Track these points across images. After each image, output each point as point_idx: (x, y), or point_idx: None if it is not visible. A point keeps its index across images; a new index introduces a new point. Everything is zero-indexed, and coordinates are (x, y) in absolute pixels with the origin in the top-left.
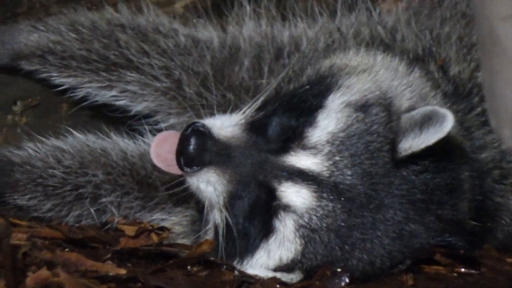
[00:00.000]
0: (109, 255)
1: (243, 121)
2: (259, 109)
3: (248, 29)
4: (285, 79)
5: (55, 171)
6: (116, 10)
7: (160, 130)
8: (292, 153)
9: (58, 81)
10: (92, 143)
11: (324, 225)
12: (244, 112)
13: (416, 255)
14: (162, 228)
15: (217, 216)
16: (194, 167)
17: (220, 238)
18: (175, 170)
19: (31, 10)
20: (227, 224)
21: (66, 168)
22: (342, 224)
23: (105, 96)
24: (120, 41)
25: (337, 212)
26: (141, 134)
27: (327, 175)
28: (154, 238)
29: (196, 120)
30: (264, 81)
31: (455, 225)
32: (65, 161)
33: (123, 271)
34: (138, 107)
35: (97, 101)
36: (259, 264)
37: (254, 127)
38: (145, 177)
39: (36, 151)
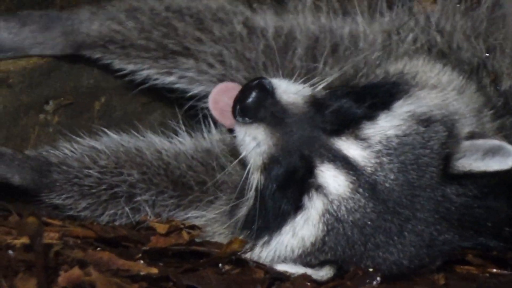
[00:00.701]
0: (140, 255)
1: (308, 93)
2: (324, 88)
3: (306, 21)
4: (348, 71)
5: (90, 171)
6: None
7: None
8: (343, 138)
9: (118, 67)
10: (127, 143)
11: (351, 218)
12: (312, 85)
13: (447, 256)
14: (193, 227)
15: (255, 177)
16: (247, 119)
17: (256, 204)
18: (227, 120)
19: (63, 9)
20: (262, 192)
21: (101, 168)
22: (369, 223)
23: (164, 81)
24: (178, 29)
25: (367, 210)
26: (176, 133)
27: (370, 171)
28: (185, 236)
29: (264, 76)
30: (320, 65)
31: (490, 231)
32: (101, 161)
33: (154, 270)
34: (195, 90)
35: (156, 84)
36: (285, 243)
37: (316, 102)
38: (179, 177)
39: (72, 151)
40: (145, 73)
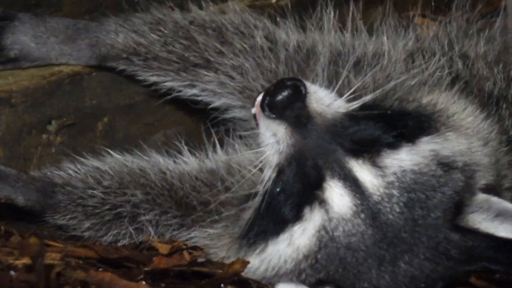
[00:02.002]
0: (142, 275)
1: (340, 108)
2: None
3: (329, 36)
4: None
5: (94, 192)
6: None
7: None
8: (360, 161)
9: (142, 78)
10: (131, 163)
11: (346, 240)
12: (347, 102)
13: (448, 280)
14: (195, 247)
15: (267, 175)
16: (272, 113)
17: (262, 205)
18: (254, 108)
19: None
20: (269, 193)
21: (105, 188)
22: (364, 249)
23: (187, 93)
24: (199, 42)
25: (365, 236)
26: (181, 153)
27: (376, 200)
28: (187, 257)
29: (304, 80)
30: (343, 75)
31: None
32: (105, 181)
33: None
34: (217, 103)
35: (180, 96)
36: (280, 252)
37: (344, 118)
38: (183, 197)
39: (76, 172)
40: (168, 84)
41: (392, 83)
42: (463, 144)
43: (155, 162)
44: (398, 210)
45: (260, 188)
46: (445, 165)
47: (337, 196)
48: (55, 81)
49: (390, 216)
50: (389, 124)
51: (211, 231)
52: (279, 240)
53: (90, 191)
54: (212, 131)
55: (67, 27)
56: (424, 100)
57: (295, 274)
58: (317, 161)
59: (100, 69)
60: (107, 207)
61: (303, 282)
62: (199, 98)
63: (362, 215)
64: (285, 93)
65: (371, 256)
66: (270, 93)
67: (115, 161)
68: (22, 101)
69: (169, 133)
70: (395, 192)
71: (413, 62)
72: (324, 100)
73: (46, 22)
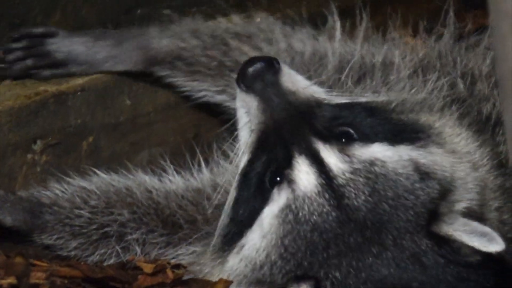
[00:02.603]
0: None
1: (317, 94)
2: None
3: (338, 44)
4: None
5: (81, 211)
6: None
7: None
8: (327, 145)
9: (180, 83)
10: (117, 183)
11: (312, 221)
12: (329, 93)
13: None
14: (178, 266)
15: (243, 160)
16: (242, 85)
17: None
18: None
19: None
20: (243, 179)
21: (92, 208)
22: (329, 229)
23: (216, 99)
24: (233, 48)
25: (329, 217)
26: (166, 172)
27: (341, 182)
28: (170, 275)
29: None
30: (348, 82)
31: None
32: (91, 201)
33: None
34: None
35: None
36: (254, 242)
37: (319, 103)
38: (169, 216)
39: (63, 192)
40: (203, 90)
41: (388, 96)
42: (447, 162)
43: (141, 181)
44: (363, 198)
45: (236, 177)
46: (423, 172)
47: (304, 174)
48: (40, 100)
49: (355, 202)
50: (373, 125)
51: (196, 248)
52: (253, 230)
53: (77, 211)
54: (197, 149)
55: (113, 33)
56: (422, 118)
57: (267, 267)
58: (285, 138)
59: (135, 77)
60: (94, 226)
61: (277, 280)
62: (227, 104)
63: (327, 195)
64: (257, 65)
65: (338, 237)
66: (243, 67)
67: (102, 180)
68: (7, 120)
69: (154, 152)
70: (361, 179)
71: (416, 77)
72: (300, 83)
73: (92, 31)
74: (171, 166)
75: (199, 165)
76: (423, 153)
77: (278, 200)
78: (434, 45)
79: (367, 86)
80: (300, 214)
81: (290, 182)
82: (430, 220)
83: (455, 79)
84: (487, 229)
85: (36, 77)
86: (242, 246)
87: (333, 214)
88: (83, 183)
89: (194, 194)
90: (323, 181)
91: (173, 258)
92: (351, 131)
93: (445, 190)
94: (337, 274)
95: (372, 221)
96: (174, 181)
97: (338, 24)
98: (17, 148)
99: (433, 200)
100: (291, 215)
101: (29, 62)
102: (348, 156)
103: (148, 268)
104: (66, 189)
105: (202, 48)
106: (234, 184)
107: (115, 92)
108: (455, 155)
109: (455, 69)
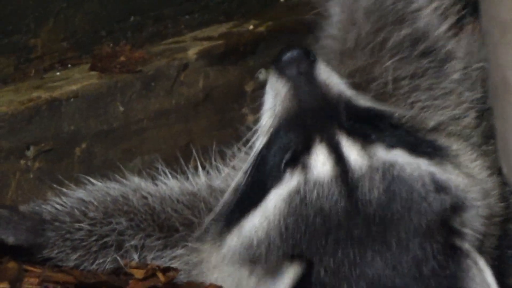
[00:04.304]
0: None
1: (347, 93)
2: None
3: None
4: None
5: (81, 224)
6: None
7: None
8: (350, 139)
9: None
10: (113, 191)
11: (318, 205)
12: (360, 95)
13: None
14: (168, 269)
15: (260, 141)
16: (276, 70)
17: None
18: None
19: (44, 55)
20: (259, 159)
21: (91, 220)
22: (335, 218)
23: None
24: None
25: (338, 206)
26: (161, 176)
27: (356, 176)
28: (161, 278)
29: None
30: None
31: None
32: (90, 212)
33: None
34: None
35: None
36: (255, 218)
37: (350, 100)
38: (165, 220)
39: (63, 206)
40: None
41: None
42: (462, 183)
43: (136, 187)
44: (376, 194)
45: (251, 156)
46: (439, 185)
47: (320, 162)
48: (33, 106)
49: (367, 197)
50: (396, 131)
51: (194, 246)
52: (256, 210)
53: (77, 225)
54: (194, 152)
55: None
56: (440, 138)
57: (264, 245)
58: (309, 126)
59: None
60: (93, 238)
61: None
62: None
63: (339, 185)
64: (294, 52)
65: (341, 227)
66: (280, 52)
67: (98, 189)
68: (0, 126)
69: (147, 158)
70: (377, 177)
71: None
72: (334, 78)
73: None
74: (166, 170)
75: (195, 169)
76: (440, 169)
77: (289, 183)
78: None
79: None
80: (308, 198)
81: (305, 167)
82: (443, 230)
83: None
84: (482, 266)
85: None
86: (242, 226)
87: (342, 203)
88: (80, 195)
89: (189, 197)
90: (339, 172)
91: (170, 260)
92: (376, 133)
93: (459, 207)
94: (331, 263)
95: (381, 218)
96: (169, 185)
97: None
98: (10, 154)
99: (446, 211)
100: (299, 198)
101: None
102: (369, 154)
103: (139, 273)
104: (65, 202)
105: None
106: (245, 165)
107: (108, 98)
108: (468, 178)
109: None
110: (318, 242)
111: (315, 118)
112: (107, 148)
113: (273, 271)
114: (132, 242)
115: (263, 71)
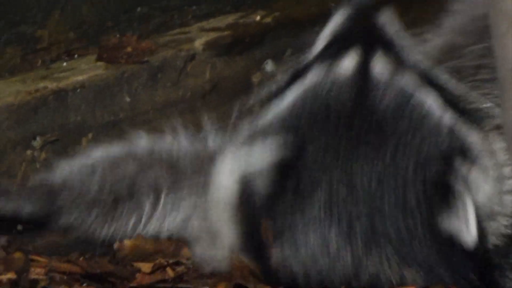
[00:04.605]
0: None
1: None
2: None
3: None
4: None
5: (90, 185)
6: None
7: None
8: (387, 57)
9: None
10: (117, 153)
11: (328, 100)
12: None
13: None
14: (178, 263)
15: None
16: None
17: None
18: None
19: (51, 46)
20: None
21: (99, 177)
22: (340, 108)
23: None
24: None
25: (348, 97)
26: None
27: (375, 83)
28: (170, 273)
29: None
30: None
31: None
32: (97, 171)
33: None
34: None
35: None
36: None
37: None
38: (174, 164)
39: (70, 172)
40: None
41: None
42: (480, 143)
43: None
44: (386, 104)
45: None
46: (455, 131)
47: (347, 61)
48: (40, 97)
49: (377, 103)
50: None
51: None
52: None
53: (86, 186)
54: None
55: None
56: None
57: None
58: (354, 36)
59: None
60: (105, 192)
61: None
62: None
63: (355, 84)
64: None
65: (344, 119)
66: None
67: (100, 154)
68: (6, 117)
69: None
70: (393, 93)
71: None
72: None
73: None
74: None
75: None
76: (463, 125)
77: (311, 77)
78: None
79: None
80: (319, 92)
81: (330, 65)
82: (442, 163)
83: None
84: None
85: None
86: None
87: (352, 99)
88: (85, 160)
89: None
90: (360, 74)
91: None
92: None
93: (467, 154)
94: (320, 157)
95: (382, 127)
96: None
97: None
98: (17, 144)
99: (453, 150)
100: (315, 90)
101: None
102: (396, 73)
103: (146, 267)
104: (72, 168)
105: None
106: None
107: (115, 89)
108: (491, 152)
109: None
110: (316, 127)
111: (362, 27)
112: (113, 138)
113: None
114: (144, 186)
115: (270, 62)
